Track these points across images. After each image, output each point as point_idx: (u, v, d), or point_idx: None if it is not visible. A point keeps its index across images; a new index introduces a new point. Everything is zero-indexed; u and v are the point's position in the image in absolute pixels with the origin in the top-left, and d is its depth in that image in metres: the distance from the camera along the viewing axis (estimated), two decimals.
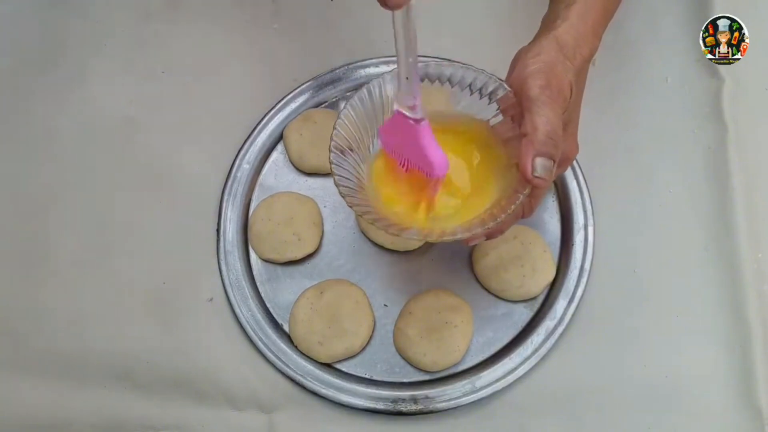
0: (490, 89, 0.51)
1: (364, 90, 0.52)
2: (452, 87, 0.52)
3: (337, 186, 0.50)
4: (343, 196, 0.49)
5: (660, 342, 0.65)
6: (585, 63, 0.52)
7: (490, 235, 0.55)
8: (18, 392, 0.65)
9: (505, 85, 0.50)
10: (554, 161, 0.47)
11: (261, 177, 0.71)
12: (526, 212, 0.55)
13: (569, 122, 0.53)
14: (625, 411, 0.63)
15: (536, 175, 0.46)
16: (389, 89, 0.52)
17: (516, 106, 0.49)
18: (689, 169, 0.69)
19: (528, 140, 0.46)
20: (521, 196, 0.47)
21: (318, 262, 0.68)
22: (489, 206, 0.50)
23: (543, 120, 0.46)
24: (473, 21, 0.75)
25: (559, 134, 0.47)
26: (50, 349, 0.66)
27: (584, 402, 0.64)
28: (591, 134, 0.70)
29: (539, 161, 0.46)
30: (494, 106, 0.51)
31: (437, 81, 0.52)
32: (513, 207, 0.47)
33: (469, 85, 0.52)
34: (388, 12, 0.42)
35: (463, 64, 0.52)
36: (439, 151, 0.49)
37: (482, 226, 0.48)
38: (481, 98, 0.52)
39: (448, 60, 0.52)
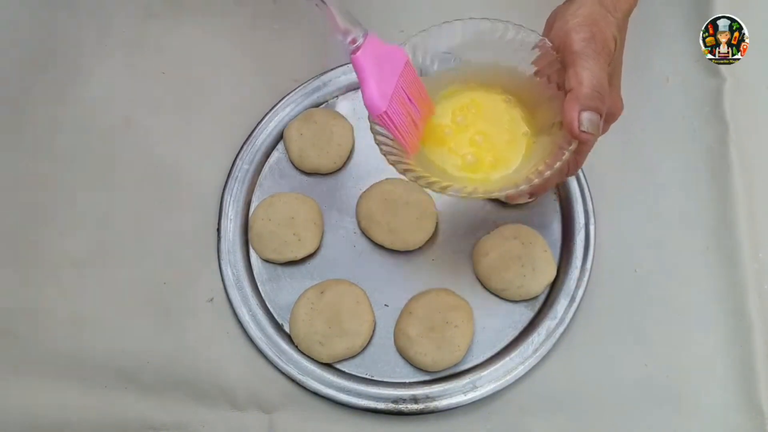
0: (531, 44, 0.51)
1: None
2: (492, 42, 0.52)
3: (378, 145, 0.50)
4: (384, 155, 0.50)
5: (661, 341, 0.65)
6: (625, 17, 0.52)
7: (533, 193, 0.55)
8: (18, 392, 0.65)
9: (546, 40, 0.50)
10: (601, 115, 0.46)
11: (261, 177, 0.71)
12: (571, 169, 0.54)
13: (613, 77, 0.52)
14: (626, 411, 0.63)
15: (583, 129, 0.46)
16: (424, 49, 0.53)
17: (554, 64, 0.49)
18: (690, 169, 0.69)
19: (573, 95, 0.46)
20: (567, 153, 0.47)
21: (318, 262, 0.68)
22: (532, 164, 0.50)
23: (588, 74, 0.46)
24: None
25: (605, 87, 0.46)
26: (50, 350, 0.66)
27: (584, 402, 0.64)
28: None
29: (586, 116, 0.46)
30: (532, 67, 0.51)
31: (479, 37, 0.52)
32: (559, 163, 0.47)
33: (510, 41, 0.51)
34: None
35: (503, 20, 0.52)
36: (370, 89, 0.49)
37: (528, 182, 0.48)
38: (519, 52, 0.51)
39: (488, 18, 0.52)
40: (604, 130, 0.51)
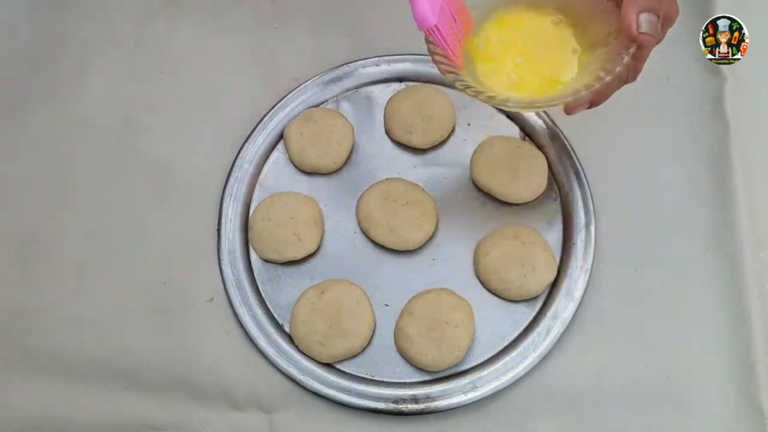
0: None
1: None
2: None
3: (437, 64, 0.52)
4: (443, 73, 0.52)
5: (661, 342, 0.65)
6: None
7: (593, 102, 0.55)
8: (18, 392, 0.65)
9: None
10: (658, 17, 0.47)
11: (261, 177, 0.71)
12: (630, 76, 0.54)
13: None
14: (626, 411, 0.63)
15: (642, 31, 0.47)
16: None
17: None
18: (691, 168, 0.69)
19: None
20: (626, 57, 0.48)
21: (318, 262, 0.68)
22: (587, 77, 0.51)
23: None
24: None
25: None
26: (51, 350, 0.66)
27: (585, 402, 0.64)
28: (593, 133, 0.71)
29: (644, 17, 0.47)
30: None
31: None
32: (619, 68, 0.48)
33: None
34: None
35: None
36: (421, 2, 0.49)
37: (588, 88, 0.49)
38: None
39: None
40: (662, 36, 0.52)
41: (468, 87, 0.51)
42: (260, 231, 0.67)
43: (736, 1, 0.72)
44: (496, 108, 0.69)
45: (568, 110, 0.54)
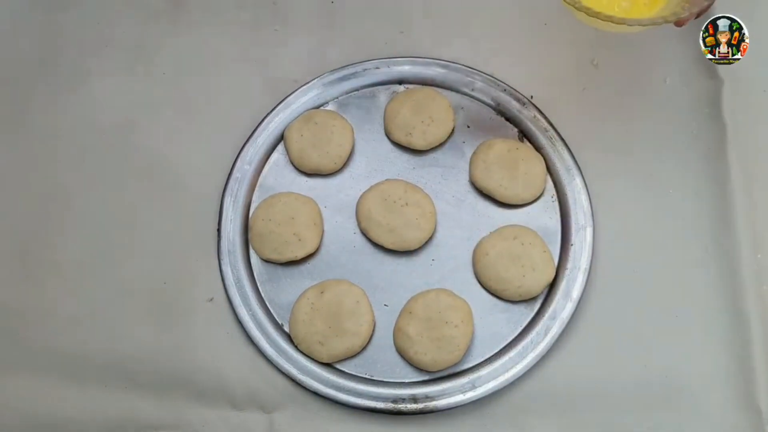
0: None
1: None
2: None
3: None
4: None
5: (660, 342, 0.65)
6: None
7: (702, 11, 0.58)
8: (18, 391, 0.65)
9: None
10: None
11: (261, 177, 0.71)
12: None
13: None
14: (625, 411, 0.63)
15: None
16: None
17: None
18: (689, 170, 0.69)
19: None
20: None
21: (318, 262, 0.68)
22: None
23: None
24: None
25: None
26: (51, 349, 0.66)
27: (584, 402, 0.64)
28: (591, 134, 0.71)
29: None
30: None
31: None
32: None
33: None
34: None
35: None
36: None
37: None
38: None
39: None
40: None
41: (599, 13, 0.55)
42: (260, 231, 0.67)
43: (736, 1, 0.72)
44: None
45: (679, 24, 0.57)
